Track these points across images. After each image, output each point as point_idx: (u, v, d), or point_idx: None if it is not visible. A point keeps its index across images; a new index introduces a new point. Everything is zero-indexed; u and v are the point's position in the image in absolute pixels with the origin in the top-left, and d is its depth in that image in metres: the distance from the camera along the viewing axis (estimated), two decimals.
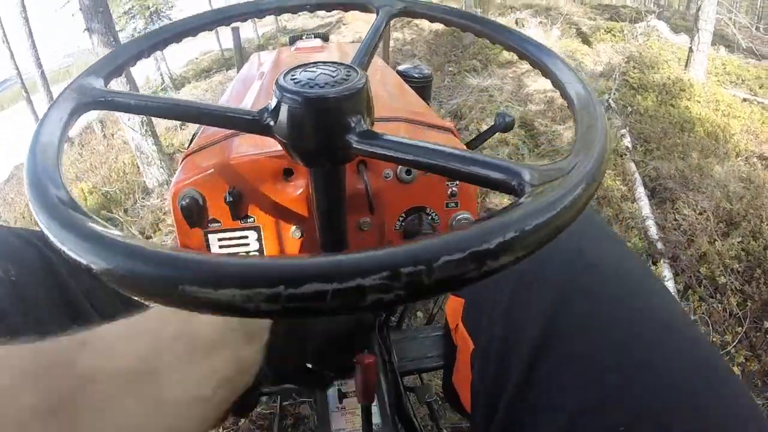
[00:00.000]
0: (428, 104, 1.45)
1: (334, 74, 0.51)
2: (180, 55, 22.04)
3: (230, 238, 0.84)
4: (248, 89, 1.20)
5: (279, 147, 0.53)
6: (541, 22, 15.16)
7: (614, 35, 12.17)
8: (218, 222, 0.82)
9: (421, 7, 0.77)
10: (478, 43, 10.64)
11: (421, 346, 1.20)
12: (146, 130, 5.57)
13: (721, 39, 12.42)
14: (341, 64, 0.54)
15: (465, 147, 0.96)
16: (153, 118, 5.56)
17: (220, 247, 0.84)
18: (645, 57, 9.00)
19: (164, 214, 4.82)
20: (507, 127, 1.11)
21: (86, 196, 5.95)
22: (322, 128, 0.50)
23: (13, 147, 12.49)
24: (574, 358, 0.54)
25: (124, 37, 14.89)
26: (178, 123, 8.52)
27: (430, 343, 1.19)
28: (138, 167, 5.99)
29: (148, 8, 14.78)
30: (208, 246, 0.84)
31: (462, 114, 6.67)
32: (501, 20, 13.35)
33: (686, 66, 8.61)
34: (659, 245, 3.49)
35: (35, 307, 0.68)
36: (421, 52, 11.24)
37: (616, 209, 3.97)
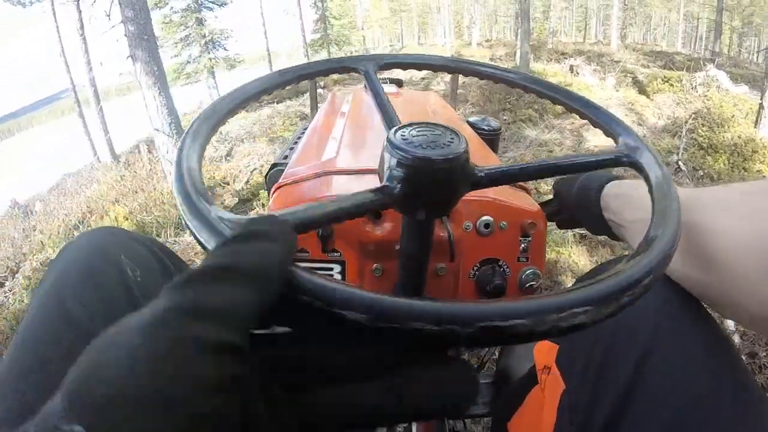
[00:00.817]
0: (496, 155, 1.52)
1: (440, 137, 0.54)
2: (235, 85, 22.39)
3: (316, 269, 0.77)
4: (331, 133, 1.25)
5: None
6: (595, 70, 14.78)
7: (672, 85, 11.69)
8: (307, 252, 0.85)
9: (401, 58, 0.87)
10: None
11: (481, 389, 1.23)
12: None
13: None
14: (439, 125, 0.57)
15: (539, 207, 0.95)
16: None
17: None
18: (713, 113, 8.45)
19: (195, 254, 4.52)
20: None
21: (121, 221, 5.69)
22: (434, 188, 0.53)
23: (64, 156, 12.84)
24: (657, 406, 0.59)
25: (177, 62, 15.12)
26: (223, 154, 8.41)
27: (483, 388, 1.23)
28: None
29: (204, 36, 14.84)
30: None
31: None
32: (555, 67, 13.00)
33: (756, 123, 8.03)
34: (736, 339, 3.11)
35: None
36: (474, 97, 10.90)
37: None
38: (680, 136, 7.68)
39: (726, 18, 33.22)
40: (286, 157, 1.38)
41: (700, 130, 7.68)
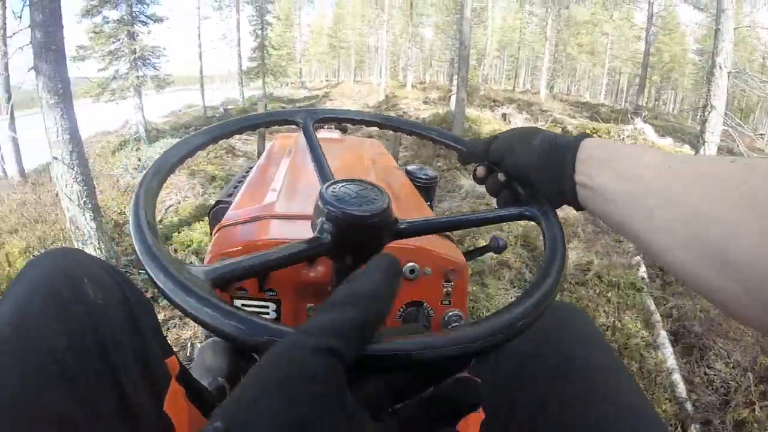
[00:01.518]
0: (431, 204, 1.78)
1: (363, 193, 0.62)
2: (165, 105, 21.65)
3: (252, 306, 0.93)
4: (273, 177, 1.35)
5: (305, 235, 0.62)
6: (526, 119, 14.90)
7: (600, 136, 11.71)
8: (245, 290, 0.92)
9: (336, 113, 0.93)
10: (466, 137, 10.07)
11: None
12: (84, 202, 4.54)
13: (724, 149, 12.10)
14: (366, 182, 0.65)
15: (462, 255, 1.03)
16: (96, 190, 4.93)
17: None
18: None
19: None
20: (500, 250, 1.12)
21: (15, 258, 4.98)
22: (360, 239, 0.61)
23: None
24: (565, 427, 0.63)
25: (104, 76, 14.02)
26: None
27: None
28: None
29: (134, 52, 13.94)
30: None
31: None
32: (488, 114, 12.92)
33: None
34: (688, 406, 2.92)
35: (118, 332, 0.71)
36: (408, 141, 10.59)
37: (638, 359, 3.42)
38: None
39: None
40: (230, 195, 1.45)
41: None
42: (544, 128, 0.76)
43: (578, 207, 0.69)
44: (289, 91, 33.75)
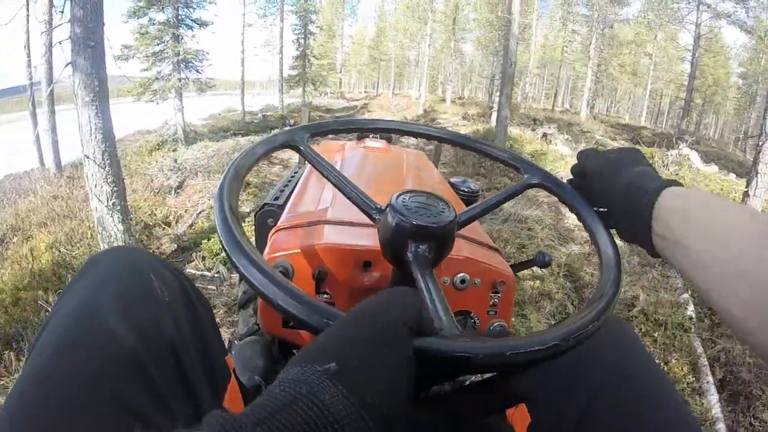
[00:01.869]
0: None
1: (431, 205, 0.68)
2: (205, 107, 21.93)
3: None
4: (324, 183, 1.31)
5: (363, 241, 0.80)
6: (567, 139, 14.47)
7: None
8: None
9: (324, 126, 0.98)
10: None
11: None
12: (113, 204, 4.43)
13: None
14: (436, 197, 0.70)
15: (509, 268, 1.03)
16: (128, 189, 5.05)
17: None
18: None
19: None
20: (545, 265, 1.17)
21: (41, 252, 4.90)
22: (428, 248, 0.65)
23: (16, 152, 11.85)
24: None
25: (146, 77, 14.14)
26: (174, 185, 7.61)
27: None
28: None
29: (178, 54, 13.97)
30: None
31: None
32: (528, 133, 12.57)
33: None
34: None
35: (183, 329, 0.76)
36: (447, 156, 10.34)
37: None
38: None
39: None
40: (276, 198, 1.43)
41: None
42: (641, 153, 0.78)
43: (653, 254, 0.69)
44: (328, 101, 33.79)
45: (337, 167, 1.34)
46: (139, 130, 14.91)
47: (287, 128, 0.93)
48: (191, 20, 14.72)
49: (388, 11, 40.71)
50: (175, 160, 9.07)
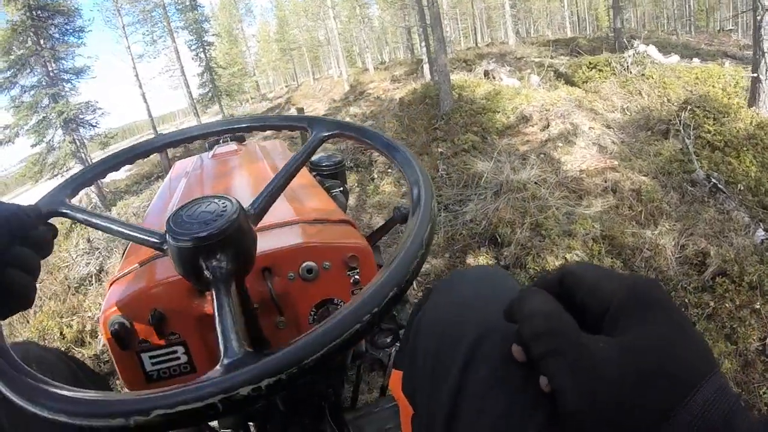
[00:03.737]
0: (344, 187, 1.80)
1: (212, 211, 0.60)
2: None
3: (160, 355, 0.85)
4: (169, 200, 1.33)
5: None
6: (510, 71, 12.94)
7: (600, 70, 9.87)
8: (147, 342, 0.84)
9: (349, 129, 0.87)
10: (463, 109, 8.06)
11: (378, 419, 1.36)
12: None
13: None
14: (219, 197, 0.63)
15: (365, 240, 0.97)
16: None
17: (153, 364, 0.86)
18: (711, 99, 6.36)
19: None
20: (406, 219, 0.82)
21: None
22: (194, 264, 0.59)
23: None
24: (480, 411, 0.54)
25: (37, 153, 12.03)
26: (93, 271, 5.94)
27: (386, 416, 1.34)
28: None
29: (61, 113, 11.85)
30: (142, 365, 0.85)
31: (502, 237, 3.90)
32: (468, 76, 10.84)
33: (753, 101, 6.08)
34: None
35: None
36: (391, 127, 8.59)
37: None
38: (678, 135, 5.58)
39: None
40: None
41: (706, 125, 5.57)
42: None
43: None
44: (251, 107, 31.70)
45: (181, 186, 1.47)
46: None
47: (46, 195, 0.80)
48: (67, 72, 12.60)
49: None
50: (89, 240, 6.97)
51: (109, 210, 10.10)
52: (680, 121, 5.71)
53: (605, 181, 4.83)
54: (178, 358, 0.86)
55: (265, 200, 0.71)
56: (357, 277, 0.91)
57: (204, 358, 0.87)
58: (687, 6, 30.26)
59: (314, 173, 1.86)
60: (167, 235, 0.60)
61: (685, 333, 0.37)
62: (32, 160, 12.12)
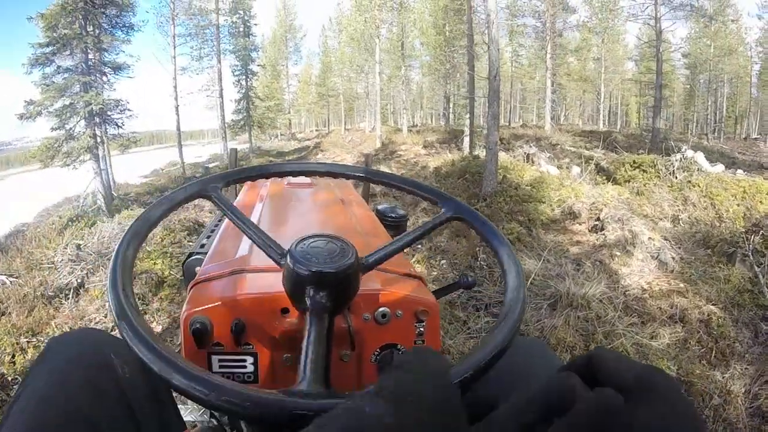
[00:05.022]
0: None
1: (332, 251, 0.70)
2: (149, 162, 19.83)
3: (230, 361, 0.89)
4: (258, 221, 1.37)
5: (278, 288, 0.73)
6: (549, 157, 12.56)
7: (645, 171, 9.41)
8: (221, 346, 0.87)
9: (235, 174, 1.05)
10: (507, 193, 7.58)
11: None
12: None
13: None
14: (339, 240, 0.74)
15: (434, 297, 1.02)
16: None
17: (220, 366, 0.89)
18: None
19: None
20: (469, 286, 1.14)
21: None
22: (332, 294, 0.68)
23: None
24: None
25: (54, 137, 11.57)
26: (74, 283, 5.20)
27: None
28: None
29: (88, 104, 11.39)
30: (210, 364, 0.88)
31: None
32: (506, 156, 10.41)
33: None
34: None
35: (143, 402, 0.81)
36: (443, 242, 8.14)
37: None
38: (746, 260, 5.03)
39: (635, 93, 32.99)
40: (203, 246, 1.45)
41: None
42: None
43: None
44: (278, 143, 31.61)
45: (259, 208, 1.58)
46: (68, 196, 12.45)
47: (199, 179, 0.93)
48: (105, 64, 12.26)
49: (332, 46, 38.44)
50: (78, 246, 6.27)
51: (112, 217, 9.42)
52: (749, 245, 5.16)
53: (671, 307, 4.25)
54: (245, 367, 0.89)
55: (381, 258, 0.81)
56: (422, 329, 0.95)
57: (268, 372, 0.90)
58: (718, 111, 30.08)
59: None
60: (288, 257, 0.70)
61: (683, 415, 0.42)
62: (47, 143, 11.45)
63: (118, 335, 0.65)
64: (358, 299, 0.76)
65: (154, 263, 4.65)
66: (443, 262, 5.41)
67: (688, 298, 4.44)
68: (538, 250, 5.50)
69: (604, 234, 5.94)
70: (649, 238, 5.64)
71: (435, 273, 5.17)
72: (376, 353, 0.94)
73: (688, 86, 31.08)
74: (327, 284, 0.67)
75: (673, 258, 5.34)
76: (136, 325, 0.60)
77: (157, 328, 4.09)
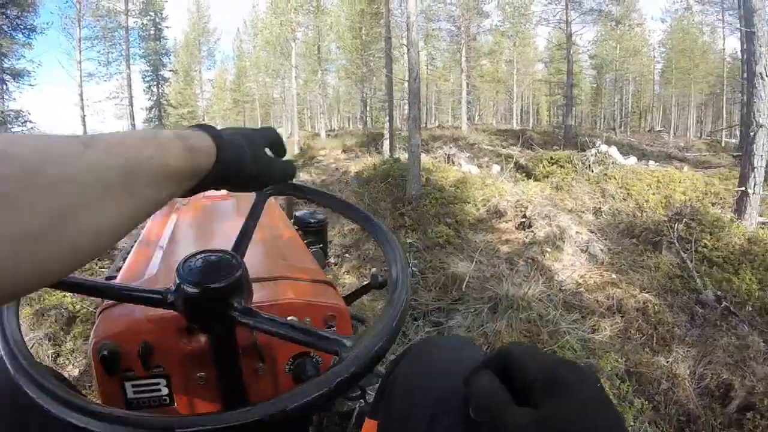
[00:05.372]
0: (326, 244, 1.94)
1: (218, 263, 0.69)
2: None
3: (143, 386, 0.87)
4: (157, 244, 1.33)
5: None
6: (469, 157, 12.62)
7: (562, 166, 9.62)
8: (132, 371, 0.85)
9: (289, 187, 1.03)
10: (432, 195, 7.45)
11: None
12: None
13: None
14: (225, 252, 0.73)
15: (343, 301, 1.02)
16: None
17: (135, 392, 0.87)
18: (699, 210, 5.97)
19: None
20: (381, 286, 1.16)
21: None
22: (211, 309, 0.67)
23: None
24: None
25: None
26: None
27: None
28: None
29: None
30: (124, 392, 0.87)
31: None
32: (426, 158, 10.34)
33: (740, 213, 5.81)
34: None
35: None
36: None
37: None
38: (672, 247, 5.10)
39: (545, 93, 34.22)
40: (118, 269, 1.35)
41: (704, 239, 5.11)
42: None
43: None
44: None
45: (174, 219, 1.59)
46: None
47: None
48: (2, 71, 11.17)
49: (247, 50, 37.37)
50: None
51: None
52: (674, 233, 5.25)
53: (608, 298, 4.21)
54: (159, 390, 0.88)
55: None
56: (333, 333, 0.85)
57: (183, 393, 0.89)
58: (624, 108, 31.76)
59: (297, 229, 1.87)
60: (176, 277, 0.68)
61: (596, 407, 0.43)
62: None
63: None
64: (263, 311, 0.71)
65: (64, 296, 4.13)
66: (373, 269, 5.18)
67: (622, 288, 4.43)
68: (469, 251, 5.37)
69: (532, 231, 5.91)
70: (577, 232, 5.65)
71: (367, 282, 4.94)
72: (289, 363, 0.94)
73: (595, 85, 32.69)
74: (211, 299, 0.66)
75: (602, 250, 5.35)
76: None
77: (74, 372, 3.63)
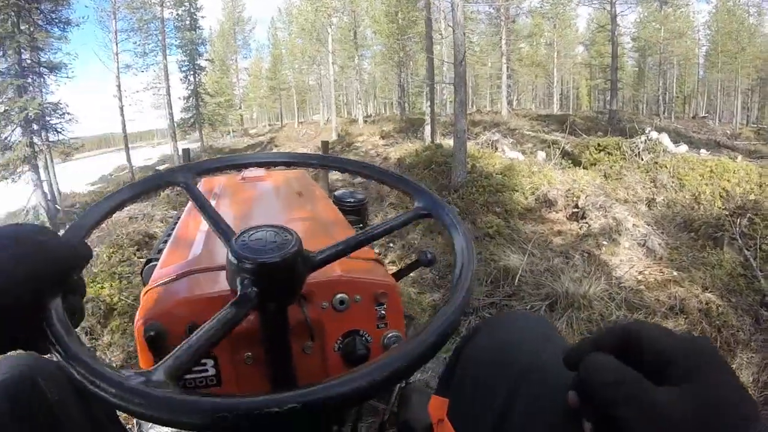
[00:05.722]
0: (364, 225, 1.91)
1: (274, 239, 0.67)
2: (96, 168, 18.81)
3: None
4: (198, 227, 1.28)
5: (227, 285, 0.68)
6: (513, 143, 12.36)
7: (610, 153, 9.29)
8: None
9: (211, 163, 0.99)
10: (478, 183, 7.28)
11: None
12: None
13: None
14: (275, 226, 0.70)
15: (392, 278, 1.01)
16: None
17: None
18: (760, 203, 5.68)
19: None
20: (429, 263, 1.08)
21: None
22: (267, 285, 0.63)
23: None
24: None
25: None
26: None
27: None
28: None
29: (24, 110, 10.47)
30: None
31: None
32: (470, 144, 10.15)
33: None
34: None
35: (75, 423, 0.78)
36: (397, 193, 7.78)
37: None
38: (734, 244, 4.85)
39: (585, 77, 33.42)
40: (160, 251, 1.34)
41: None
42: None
43: None
44: (231, 141, 30.66)
45: (213, 203, 1.40)
46: (11, 211, 11.57)
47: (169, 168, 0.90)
48: (39, 65, 11.31)
49: (282, 38, 37.43)
50: None
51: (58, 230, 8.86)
52: (737, 229, 4.99)
53: (669, 297, 4.01)
54: (207, 371, 0.87)
55: (330, 256, 0.74)
56: (383, 312, 0.94)
57: (230, 373, 0.88)
58: (667, 92, 30.79)
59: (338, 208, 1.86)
60: (228, 252, 0.66)
61: (735, 384, 0.42)
62: None
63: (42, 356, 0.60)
64: (313, 287, 0.72)
65: (102, 288, 4.09)
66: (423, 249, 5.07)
67: (684, 287, 4.22)
68: (521, 242, 5.22)
69: (586, 222, 5.71)
70: (634, 224, 5.43)
71: (413, 275, 4.83)
72: (338, 341, 0.93)
73: (637, 69, 31.74)
74: (266, 275, 0.63)
75: (660, 244, 5.13)
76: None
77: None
